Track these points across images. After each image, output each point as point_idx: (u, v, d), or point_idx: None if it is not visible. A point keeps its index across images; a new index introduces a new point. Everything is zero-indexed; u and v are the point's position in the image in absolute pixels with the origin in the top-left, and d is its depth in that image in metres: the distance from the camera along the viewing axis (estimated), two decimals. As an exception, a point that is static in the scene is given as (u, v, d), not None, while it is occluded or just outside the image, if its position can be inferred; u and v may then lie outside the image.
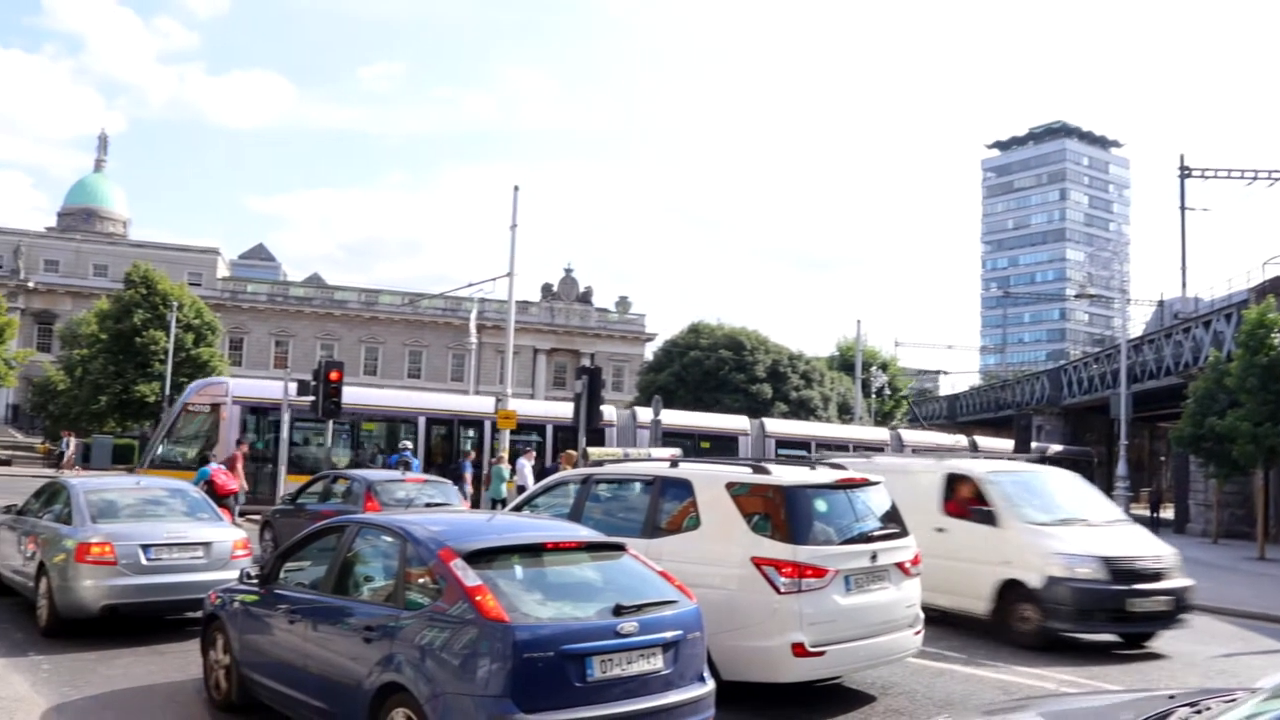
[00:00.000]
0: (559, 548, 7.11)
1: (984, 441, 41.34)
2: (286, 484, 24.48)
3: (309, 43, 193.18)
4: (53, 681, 9.25)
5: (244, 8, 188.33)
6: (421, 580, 6.71)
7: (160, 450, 28.17)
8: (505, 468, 24.20)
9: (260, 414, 28.74)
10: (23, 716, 8.12)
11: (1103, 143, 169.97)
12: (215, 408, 28.30)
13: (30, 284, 75.02)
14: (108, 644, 10.72)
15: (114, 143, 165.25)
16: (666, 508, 9.50)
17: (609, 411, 28.56)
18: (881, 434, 39.97)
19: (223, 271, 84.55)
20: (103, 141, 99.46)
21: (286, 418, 25.95)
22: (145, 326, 56.01)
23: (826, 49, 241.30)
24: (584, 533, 7.70)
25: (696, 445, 31.02)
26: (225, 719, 8.31)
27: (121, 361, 53.63)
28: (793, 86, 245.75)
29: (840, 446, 32.67)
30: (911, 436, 39.87)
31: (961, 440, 40.60)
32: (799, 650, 8.19)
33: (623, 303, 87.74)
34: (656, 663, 6.43)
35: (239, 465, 22.00)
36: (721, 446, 32.81)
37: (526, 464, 24.36)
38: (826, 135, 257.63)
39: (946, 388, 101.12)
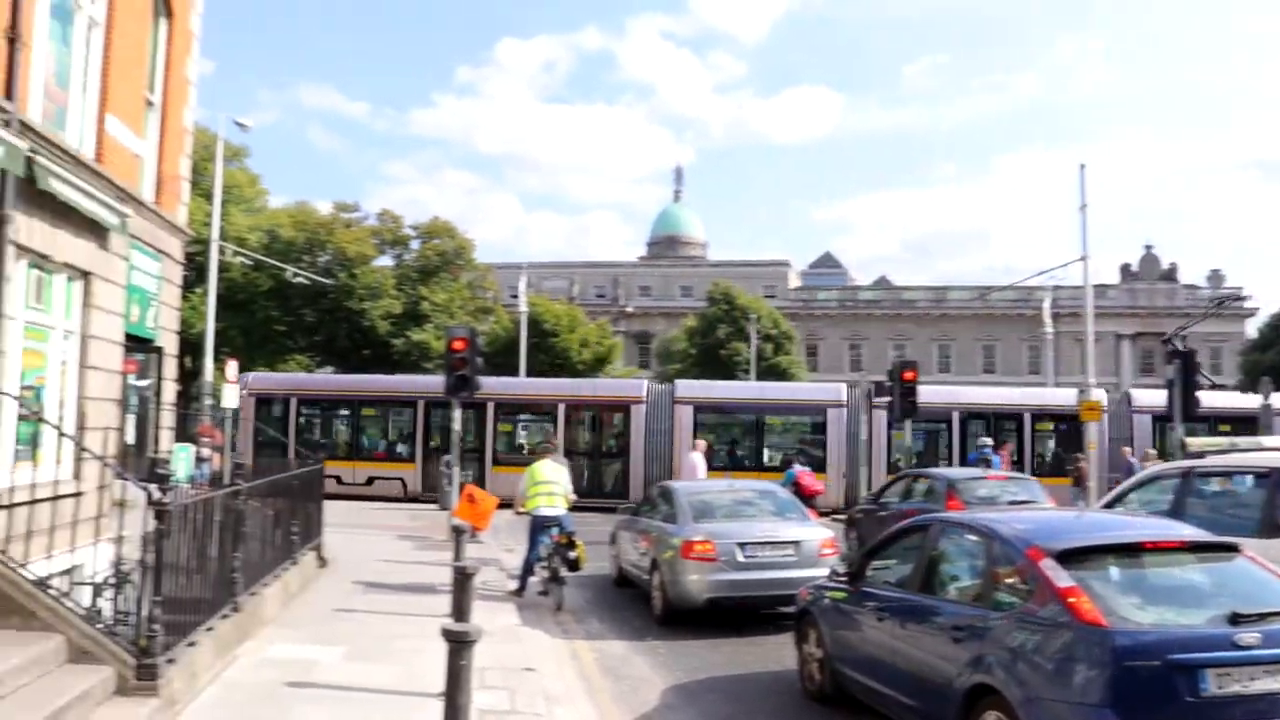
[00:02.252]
0: (1159, 547, 6.51)
1: None
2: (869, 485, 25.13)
3: (850, 51, 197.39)
4: (668, 664, 10.30)
5: (784, 30, 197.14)
6: (1009, 580, 6.51)
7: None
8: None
9: None
10: (646, 693, 9.20)
11: None
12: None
13: (629, 309, 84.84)
14: (711, 633, 11.70)
15: (686, 173, 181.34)
16: (1289, 503, 8.33)
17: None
18: None
19: (794, 282, 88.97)
20: (678, 174, 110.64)
21: (865, 419, 26.70)
22: (729, 339, 60.74)
23: None
24: (1187, 531, 6.99)
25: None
26: (818, 709, 8.66)
27: (709, 373, 58.52)
28: None
29: None
30: None
31: None
32: None
33: (1215, 276, 78.57)
34: (1290, 682, 5.60)
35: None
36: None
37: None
38: None
39: None
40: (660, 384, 31.40)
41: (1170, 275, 77.98)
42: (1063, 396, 30.42)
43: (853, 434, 28.24)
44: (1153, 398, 28.06)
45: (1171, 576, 6.45)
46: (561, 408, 28.88)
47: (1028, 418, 28.94)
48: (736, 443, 29.78)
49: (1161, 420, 26.10)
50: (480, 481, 28.58)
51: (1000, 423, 28.78)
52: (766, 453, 29.42)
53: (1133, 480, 11.12)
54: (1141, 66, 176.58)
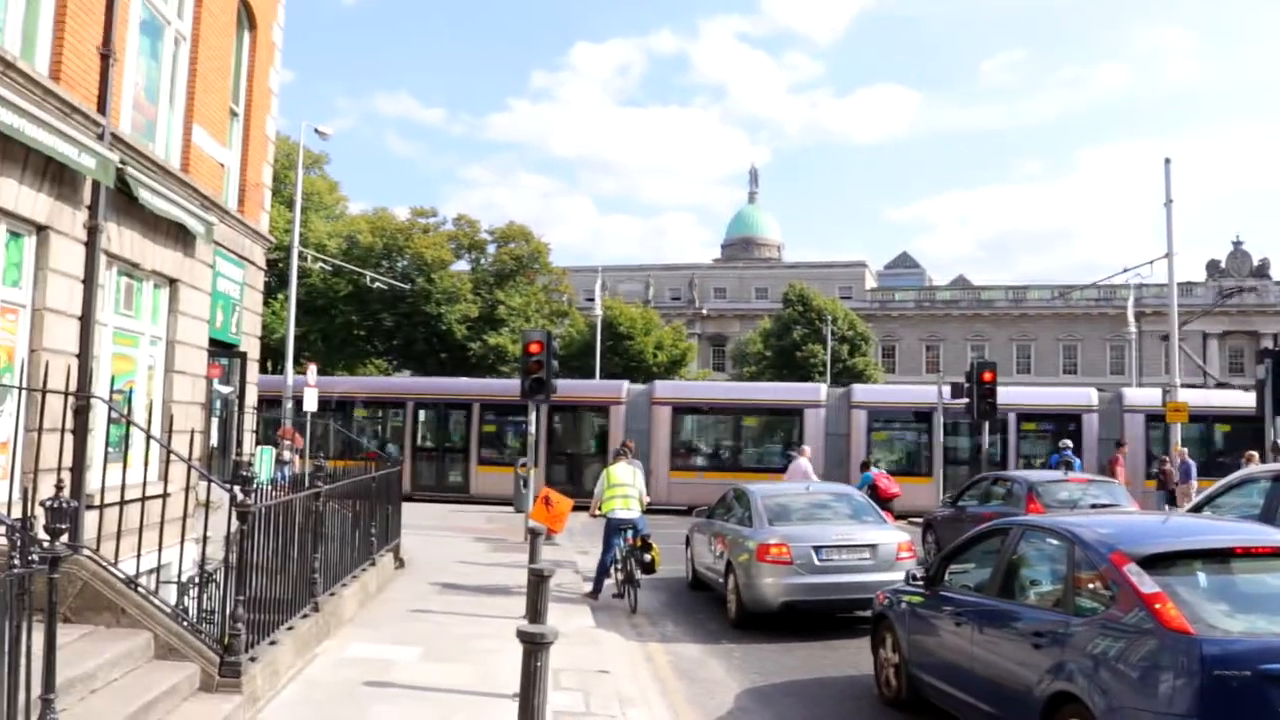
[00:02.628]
0: (1250, 553, 6.29)
1: None
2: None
3: (927, 49, 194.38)
4: (743, 668, 10.26)
5: (861, 29, 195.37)
6: (1092, 585, 6.37)
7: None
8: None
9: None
10: (721, 696, 9.18)
11: None
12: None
13: (704, 311, 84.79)
14: (786, 637, 11.63)
15: (761, 174, 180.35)
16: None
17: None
18: None
19: (870, 283, 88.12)
20: (753, 175, 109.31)
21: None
22: (804, 341, 60.40)
23: None
24: (1278, 536, 6.78)
25: None
26: (894, 715, 8.55)
27: (785, 375, 58.25)
28: None
29: None
30: None
31: None
32: None
33: (1309, 272, 75.96)
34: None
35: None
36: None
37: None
38: None
39: None
40: (639, 385, 31.66)
41: (1262, 271, 75.53)
42: (1060, 395, 30.71)
43: (831, 434, 28.16)
44: (1145, 397, 28.18)
45: (1263, 583, 6.23)
46: (543, 408, 29.27)
47: (1012, 418, 28.15)
48: (715, 443, 29.94)
49: (1154, 419, 26.31)
50: (464, 482, 29.05)
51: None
52: (745, 452, 29.63)
53: (1223, 483, 10.80)
54: (1230, 58, 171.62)
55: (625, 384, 30.75)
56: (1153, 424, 26.64)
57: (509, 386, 28.85)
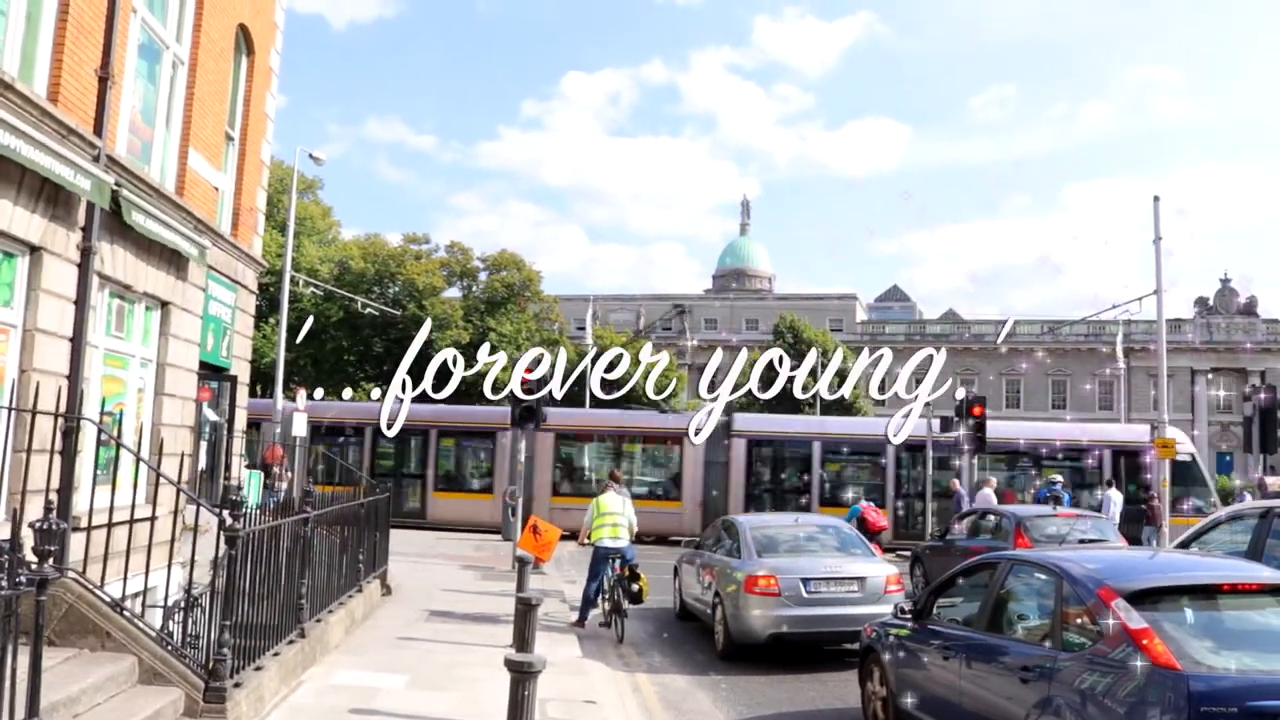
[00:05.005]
0: (1238, 589, 6.32)
1: None
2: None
3: (917, 82, 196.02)
4: (730, 700, 10.21)
5: (851, 61, 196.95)
6: (1080, 620, 6.37)
7: None
8: None
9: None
10: (710, 730, 9.12)
11: None
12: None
13: (694, 342, 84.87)
14: (774, 669, 11.58)
15: (751, 206, 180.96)
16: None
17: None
18: None
19: (861, 315, 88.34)
20: (745, 206, 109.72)
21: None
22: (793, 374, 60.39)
23: None
24: (1266, 573, 6.79)
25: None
26: (886, 750, 8.53)
27: (776, 407, 58.08)
28: None
29: None
30: None
31: None
32: None
33: (1298, 309, 76.42)
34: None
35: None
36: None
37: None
38: None
39: None
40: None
41: (1249, 309, 75.94)
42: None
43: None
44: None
45: (1251, 620, 6.25)
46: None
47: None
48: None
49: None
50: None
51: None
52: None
53: (1210, 519, 10.83)
54: (1218, 95, 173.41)
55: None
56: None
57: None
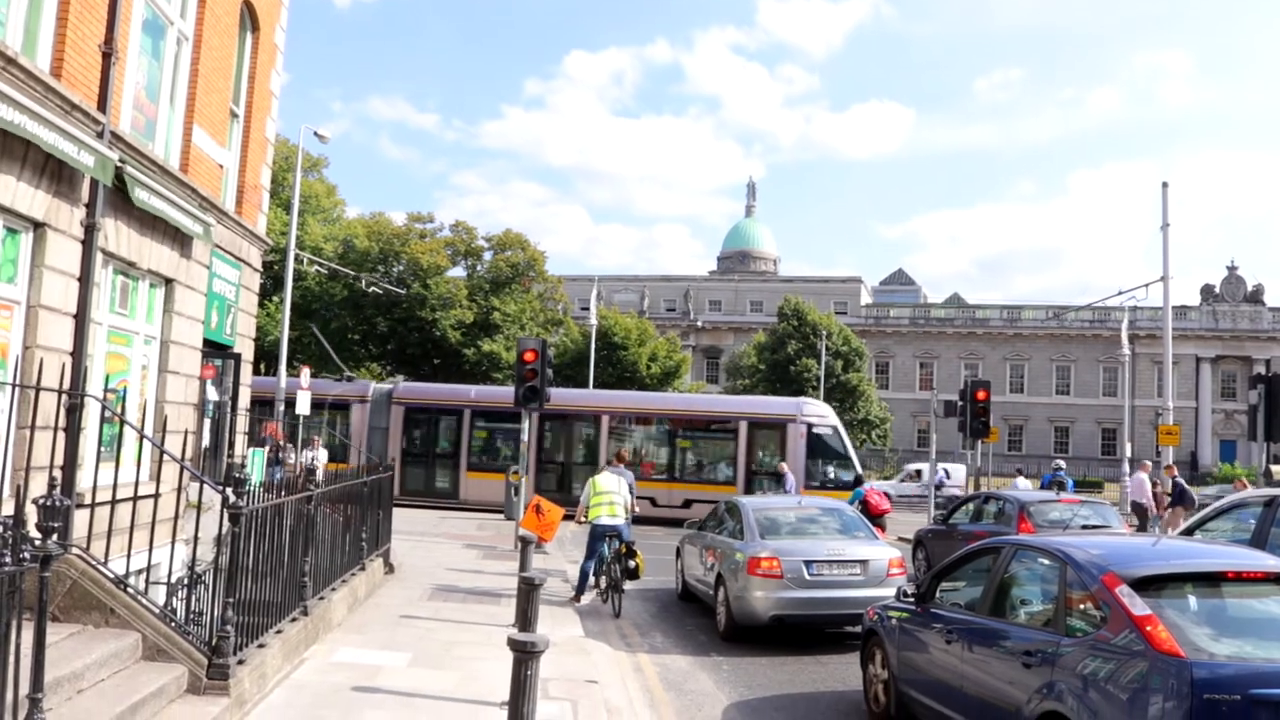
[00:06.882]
0: (1242, 577, 6.30)
1: None
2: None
3: (923, 66, 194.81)
4: (732, 681, 10.24)
5: (857, 43, 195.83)
6: (1083, 606, 6.37)
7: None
8: None
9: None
10: (709, 709, 9.16)
11: None
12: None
13: (699, 323, 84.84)
14: (775, 651, 11.61)
15: (757, 188, 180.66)
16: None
17: None
18: None
19: (865, 299, 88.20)
20: (751, 188, 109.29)
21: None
22: (798, 356, 60.42)
23: None
24: (1271, 561, 6.78)
25: None
26: (885, 732, 8.55)
27: (779, 389, 58.24)
28: None
29: None
30: None
31: None
32: None
33: (1305, 297, 76.22)
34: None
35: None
36: None
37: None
38: None
39: None
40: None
41: (1255, 297, 75.76)
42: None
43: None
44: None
45: (1254, 608, 6.24)
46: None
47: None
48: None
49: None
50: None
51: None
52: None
53: (1214, 507, 10.82)
54: (1228, 82, 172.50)
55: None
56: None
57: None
